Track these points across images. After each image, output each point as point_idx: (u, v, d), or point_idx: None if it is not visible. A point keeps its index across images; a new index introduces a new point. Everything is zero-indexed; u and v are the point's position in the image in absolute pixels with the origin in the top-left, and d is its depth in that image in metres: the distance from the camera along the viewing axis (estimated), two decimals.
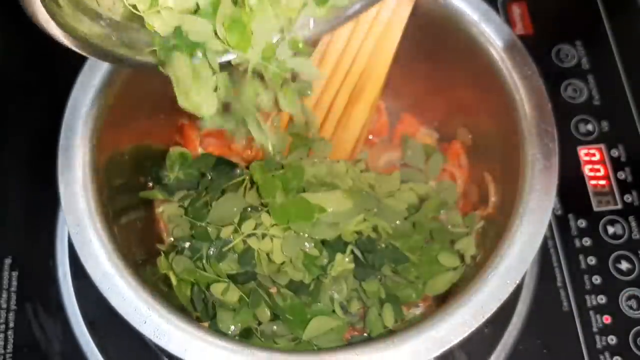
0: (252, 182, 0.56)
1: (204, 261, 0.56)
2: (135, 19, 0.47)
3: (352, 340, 0.57)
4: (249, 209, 0.56)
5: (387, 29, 0.58)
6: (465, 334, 0.42)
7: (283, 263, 0.54)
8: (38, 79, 0.74)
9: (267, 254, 0.54)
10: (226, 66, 0.49)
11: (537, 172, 0.48)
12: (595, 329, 0.62)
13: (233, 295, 0.54)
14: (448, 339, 0.42)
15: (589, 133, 0.71)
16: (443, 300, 0.54)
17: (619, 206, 0.67)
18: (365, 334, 0.56)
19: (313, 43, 0.56)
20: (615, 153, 0.70)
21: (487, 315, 0.43)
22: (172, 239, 0.60)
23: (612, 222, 0.67)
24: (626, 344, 0.61)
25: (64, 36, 0.44)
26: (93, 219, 0.46)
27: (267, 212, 0.55)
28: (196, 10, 0.46)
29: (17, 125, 0.72)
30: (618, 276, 0.64)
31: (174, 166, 0.61)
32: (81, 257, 0.45)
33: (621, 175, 0.69)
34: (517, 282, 0.44)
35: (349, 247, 0.55)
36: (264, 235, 0.54)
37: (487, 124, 0.58)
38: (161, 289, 0.54)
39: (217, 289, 0.54)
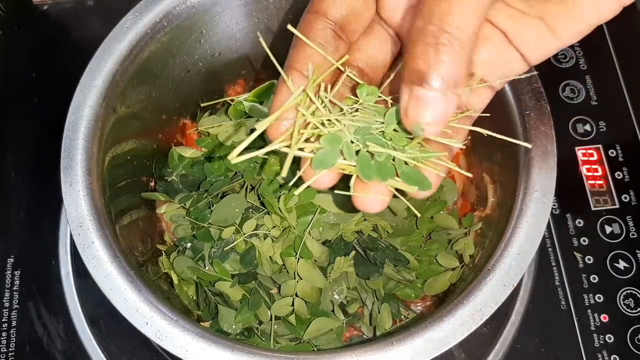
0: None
1: (205, 261, 0.56)
2: None
3: (351, 341, 0.57)
4: (250, 209, 0.56)
5: None
6: (464, 336, 0.42)
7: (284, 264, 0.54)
8: (41, 78, 0.74)
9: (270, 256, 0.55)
10: None
11: (536, 172, 0.48)
12: (592, 328, 0.62)
13: (236, 293, 0.55)
14: (447, 341, 0.42)
15: (587, 133, 0.71)
16: (442, 300, 0.55)
17: (617, 206, 0.67)
18: (364, 335, 0.57)
19: None
20: (612, 153, 0.70)
21: (486, 316, 0.43)
22: (174, 238, 0.60)
23: (610, 222, 0.67)
24: (624, 342, 0.62)
25: None
26: (95, 220, 0.46)
27: (268, 213, 0.55)
28: None
29: (20, 124, 0.72)
30: (615, 275, 0.64)
31: (176, 166, 0.61)
32: (84, 259, 0.45)
33: (619, 175, 0.69)
34: (516, 283, 0.44)
35: (352, 253, 0.55)
36: (265, 236, 0.55)
37: (486, 125, 0.57)
38: (162, 289, 0.55)
39: (223, 285, 0.55)
